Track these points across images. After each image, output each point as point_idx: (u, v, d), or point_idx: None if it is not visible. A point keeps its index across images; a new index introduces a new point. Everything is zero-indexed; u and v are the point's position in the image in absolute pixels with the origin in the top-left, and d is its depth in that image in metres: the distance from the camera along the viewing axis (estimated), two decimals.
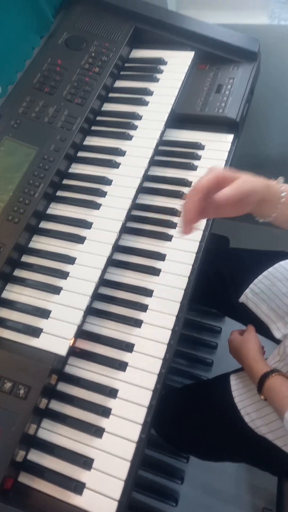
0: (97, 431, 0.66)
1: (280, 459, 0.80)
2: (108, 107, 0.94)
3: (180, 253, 0.81)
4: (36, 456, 0.65)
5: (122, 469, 0.63)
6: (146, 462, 1.33)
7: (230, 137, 0.92)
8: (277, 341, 0.88)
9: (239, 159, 1.40)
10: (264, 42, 0.99)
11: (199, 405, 0.93)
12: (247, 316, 0.92)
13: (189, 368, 1.48)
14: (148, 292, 0.77)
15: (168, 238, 0.82)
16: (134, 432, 0.65)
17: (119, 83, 0.97)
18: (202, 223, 0.83)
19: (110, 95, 0.96)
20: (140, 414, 0.67)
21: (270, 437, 0.79)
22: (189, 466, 1.34)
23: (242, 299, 0.92)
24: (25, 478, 0.64)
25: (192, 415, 0.93)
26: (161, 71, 0.97)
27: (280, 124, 1.31)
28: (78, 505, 0.61)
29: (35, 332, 0.69)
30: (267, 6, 1.01)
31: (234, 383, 0.87)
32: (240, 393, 0.85)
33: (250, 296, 0.91)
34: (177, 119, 0.95)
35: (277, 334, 0.88)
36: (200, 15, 1.02)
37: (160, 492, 1.29)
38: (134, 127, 0.90)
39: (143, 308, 0.76)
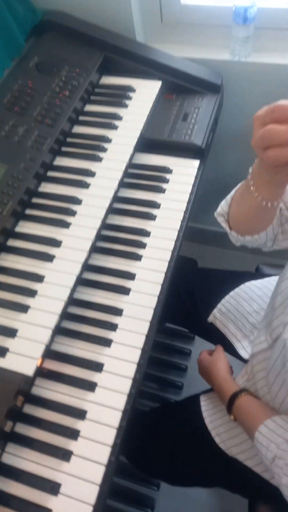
0: (65, 455, 0.64)
1: (250, 480, 0.80)
2: (78, 129, 0.96)
3: (150, 272, 0.82)
4: (0, 483, 0.62)
5: (91, 493, 0.61)
6: (115, 490, 1.28)
7: (196, 163, 0.96)
8: (245, 360, 0.89)
9: (205, 183, 1.46)
10: (226, 76, 1.06)
11: (168, 427, 0.92)
12: (216, 336, 0.94)
13: (159, 392, 1.46)
14: (118, 311, 0.77)
15: (138, 257, 0.83)
16: (103, 454, 0.64)
17: (89, 107, 1.00)
18: (171, 243, 0.85)
19: (81, 118, 0.98)
20: (109, 436, 0.65)
21: (241, 458, 0.78)
22: (159, 494, 1.31)
23: (210, 318, 0.93)
24: None
25: (161, 437, 0.92)
26: (130, 98, 1.00)
27: (239, 152, 1.37)
28: None
29: (1, 351, 0.67)
30: (229, 44, 1.08)
31: (204, 403, 0.87)
32: (210, 414, 0.85)
33: (218, 316, 0.93)
34: (146, 144, 0.98)
35: (244, 354, 0.89)
36: (166, 49, 1.07)
37: None
38: (104, 150, 0.92)
39: (113, 327, 0.76)
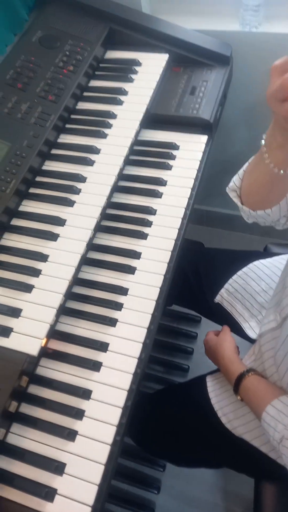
0: (70, 434, 0.63)
1: (257, 460, 0.79)
2: (82, 105, 0.93)
3: (156, 251, 0.80)
4: (5, 463, 0.62)
5: (96, 473, 0.60)
6: (121, 472, 1.29)
7: (204, 138, 0.93)
8: (252, 341, 0.88)
9: (212, 164, 1.42)
10: (235, 48, 1.01)
11: (174, 408, 0.92)
12: (223, 317, 0.92)
13: (165, 375, 1.46)
14: (123, 291, 0.75)
15: (143, 236, 0.81)
16: (109, 434, 0.63)
17: (94, 83, 0.97)
18: (177, 221, 0.82)
19: (85, 94, 0.95)
20: (114, 416, 0.64)
21: (248, 438, 0.78)
22: (165, 475, 1.32)
23: (217, 299, 0.91)
24: None
25: (167, 418, 0.91)
26: (135, 72, 0.97)
27: (248, 130, 1.33)
28: None
29: (5, 331, 0.66)
30: (239, 14, 1.03)
31: (211, 384, 0.86)
32: (217, 394, 0.84)
33: (225, 296, 0.91)
34: (152, 120, 0.95)
35: (251, 334, 0.88)
36: (173, 20, 1.03)
37: (136, 503, 1.26)
38: (109, 126, 0.89)
39: (118, 307, 0.74)
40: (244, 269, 0.91)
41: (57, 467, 0.60)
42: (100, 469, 0.60)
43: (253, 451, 0.77)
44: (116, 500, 1.25)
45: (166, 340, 1.52)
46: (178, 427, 0.89)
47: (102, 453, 0.62)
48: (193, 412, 0.87)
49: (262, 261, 0.92)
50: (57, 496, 0.59)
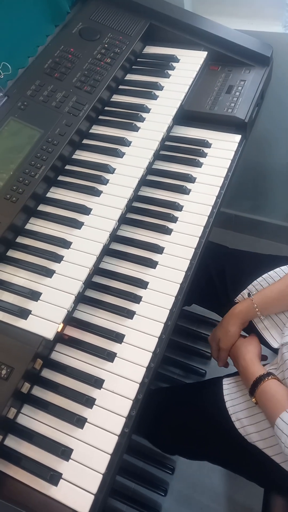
0: (79, 421, 0.63)
1: (268, 469, 0.76)
2: (117, 98, 0.94)
3: (179, 247, 0.79)
4: (14, 442, 0.62)
5: (101, 462, 0.60)
6: (130, 470, 1.29)
7: (237, 137, 0.91)
8: (274, 350, 0.85)
9: (246, 168, 1.39)
10: (277, 50, 1.00)
11: (188, 405, 0.90)
12: None
13: (181, 377, 1.44)
14: (143, 284, 0.75)
15: (167, 231, 0.81)
16: (117, 425, 0.62)
17: (130, 76, 0.97)
18: (203, 219, 0.81)
19: (120, 87, 0.96)
20: (125, 407, 0.64)
21: (261, 446, 0.75)
22: (173, 479, 1.30)
23: (238, 298, 0.89)
24: None
25: (179, 415, 0.90)
26: (173, 68, 0.97)
27: (286, 136, 1.30)
28: (52, 496, 0.58)
29: (23, 313, 0.67)
30: (282, 15, 1.02)
31: (227, 386, 0.84)
32: (232, 398, 0.82)
33: (246, 297, 0.89)
34: (185, 117, 0.95)
35: (273, 343, 0.85)
36: (215, 20, 1.02)
37: (142, 503, 1.24)
38: (142, 119, 0.89)
39: (137, 299, 0.74)
40: (270, 272, 0.89)
41: (64, 452, 0.60)
42: (106, 458, 0.60)
43: (265, 460, 0.75)
44: (122, 498, 1.24)
45: (185, 342, 1.50)
46: (190, 425, 0.88)
47: (110, 443, 0.61)
48: (206, 412, 0.86)
49: None
50: (61, 481, 0.59)
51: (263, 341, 0.87)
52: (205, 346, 1.49)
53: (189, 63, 0.97)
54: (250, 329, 0.89)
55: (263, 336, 0.86)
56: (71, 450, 0.61)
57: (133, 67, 0.99)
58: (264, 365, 0.81)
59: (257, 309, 0.84)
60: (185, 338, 1.52)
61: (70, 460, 0.60)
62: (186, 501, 1.27)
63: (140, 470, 1.30)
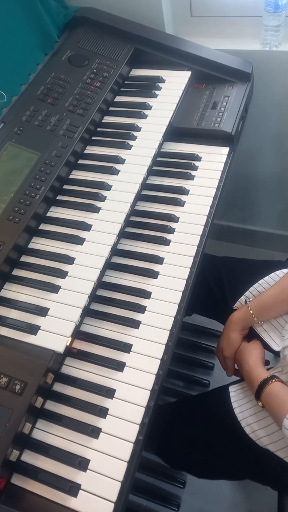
0: (94, 431, 0.64)
1: (281, 472, 0.77)
2: (108, 119, 0.98)
3: (178, 257, 0.81)
4: (30, 457, 0.63)
5: (119, 470, 0.61)
6: (141, 487, 1.28)
7: (225, 150, 0.95)
8: (275, 352, 0.87)
9: (234, 180, 1.44)
10: (256, 66, 1.05)
11: (196, 417, 0.91)
12: None
13: (185, 389, 1.45)
14: (146, 294, 0.77)
15: (166, 242, 0.83)
16: (132, 432, 0.64)
17: (119, 98, 1.02)
18: (199, 229, 0.84)
19: (111, 108, 1.00)
20: (137, 415, 0.65)
21: (272, 448, 0.76)
22: (185, 492, 1.29)
23: (236, 305, 0.92)
24: (18, 480, 0.61)
25: (189, 427, 0.91)
26: (159, 88, 1.01)
27: (271, 146, 1.36)
28: (72, 508, 0.58)
29: (33, 329, 0.68)
30: (260, 34, 1.08)
31: (234, 394, 0.86)
32: (240, 404, 0.83)
33: (244, 304, 0.91)
34: (175, 133, 0.99)
35: (274, 346, 0.87)
36: (196, 41, 1.08)
37: None
38: (134, 138, 0.93)
39: (142, 309, 0.76)
40: (266, 278, 0.92)
41: (81, 463, 0.61)
42: (123, 466, 0.61)
43: (277, 462, 0.76)
44: None
45: (187, 354, 1.51)
46: (200, 437, 0.88)
47: (125, 451, 0.62)
48: (215, 421, 0.86)
49: (284, 270, 0.92)
50: (80, 491, 0.59)
51: (265, 345, 0.89)
52: (207, 357, 1.50)
53: (174, 82, 1.02)
54: (253, 335, 0.91)
55: (263, 339, 0.88)
56: (88, 461, 0.62)
57: (122, 89, 1.03)
58: (268, 369, 0.83)
59: (253, 315, 0.86)
60: (186, 350, 1.53)
61: (87, 470, 0.61)
62: None
63: (151, 486, 1.29)
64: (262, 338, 0.88)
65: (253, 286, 0.92)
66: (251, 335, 0.91)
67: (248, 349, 0.86)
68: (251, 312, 0.86)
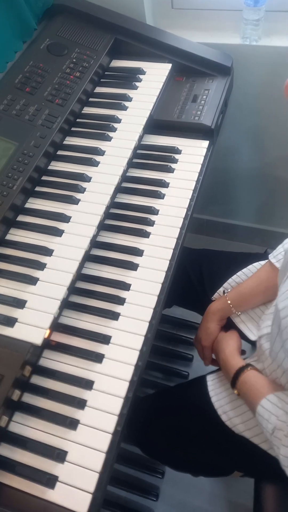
0: (72, 423, 0.64)
1: (257, 459, 0.79)
2: (88, 110, 0.97)
3: (158, 249, 0.81)
4: (7, 451, 0.62)
5: (97, 461, 0.61)
6: (120, 479, 1.28)
7: (205, 143, 0.96)
8: (251, 342, 0.89)
9: (213, 174, 1.45)
10: (237, 60, 1.06)
11: (175, 407, 0.92)
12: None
13: (165, 381, 1.46)
14: (126, 286, 0.77)
15: (146, 235, 0.83)
16: (110, 423, 0.64)
17: (99, 89, 1.01)
18: (179, 221, 0.85)
19: (90, 99, 0.99)
20: (116, 405, 0.65)
21: (248, 435, 0.78)
22: (164, 483, 1.30)
23: (214, 296, 0.93)
24: None
25: (167, 417, 0.92)
26: (140, 80, 1.01)
27: (249, 141, 1.37)
28: (51, 500, 0.58)
29: (10, 321, 0.67)
30: (240, 28, 1.08)
31: (211, 383, 0.87)
32: (217, 393, 0.84)
33: (222, 295, 0.92)
34: (155, 126, 0.99)
35: (251, 336, 0.89)
36: (177, 34, 1.07)
37: (135, 510, 1.24)
38: (114, 129, 0.92)
39: (121, 301, 0.76)
40: (244, 269, 0.93)
41: (59, 455, 0.61)
42: (101, 457, 0.61)
43: (253, 449, 0.78)
44: (114, 508, 1.23)
45: (166, 346, 1.52)
46: (178, 426, 0.89)
47: (104, 442, 0.62)
48: (193, 411, 0.88)
49: (262, 262, 0.93)
50: (58, 483, 0.59)
51: (242, 336, 0.90)
52: (186, 349, 1.52)
53: (155, 74, 1.02)
54: (230, 325, 0.92)
55: (240, 329, 0.90)
56: (65, 453, 0.62)
57: (102, 80, 1.02)
58: (244, 359, 0.84)
59: (231, 306, 0.87)
60: (165, 342, 1.54)
61: (65, 462, 0.61)
62: (179, 504, 1.28)
63: (130, 477, 1.30)
64: (239, 328, 0.90)
65: (231, 277, 0.93)
66: (228, 325, 0.92)
67: (226, 339, 0.87)
68: (229, 302, 0.87)
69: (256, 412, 0.69)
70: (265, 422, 0.67)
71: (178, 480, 1.30)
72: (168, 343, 1.54)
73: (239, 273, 0.92)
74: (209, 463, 0.92)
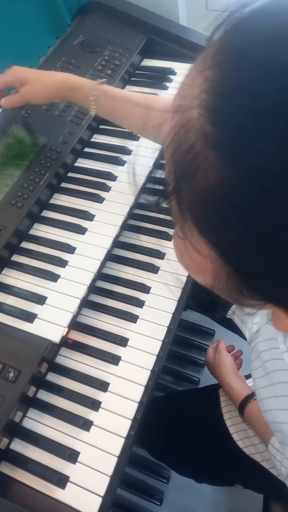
0: (85, 424, 0.63)
1: (266, 478, 0.77)
2: None
3: None
4: (20, 446, 0.62)
5: (109, 464, 0.60)
6: (125, 480, 1.28)
7: None
8: None
9: None
10: None
11: (184, 411, 0.91)
12: (236, 325, 0.91)
13: (175, 385, 1.44)
14: (146, 289, 0.76)
15: (169, 238, 0.82)
16: (124, 427, 0.63)
17: (129, 88, 1.00)
18: None
19: None
20: (130, 409, 0.64)
21: (258, 459, 0.76)
22: (169, 488, 1.29)
23: (229, 314, 0.91)
24: (6, 468, 0.60)
25: (176, 421, 0.91)
26: (170, 80, 1.00)
27: None
28: (60, 499, 0.58)
29: (30, 317, 0.67)
30: None
31: (224, 398, 0.85)
32: (229, 410, 0.83)
33: (237, 312, 0.90)
34: None
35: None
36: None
37: None
38: None
39: (140, 304, 0.75)
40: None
41: (71, 455, 0.61)
42: (113, 461, 0.60)
43: (263, 471, 0.76)
44: (118, 509, 1.23)
45: (178, 350, 1.51)
46: (186, 431, 0.88)
47: (116, 445, 0.61)
48: (203, 420, 0.86)
49: None
50: (69, 484, 0.59)
51: (242, 336, 0.88)
52: (198, 354, 1.50)
53: None
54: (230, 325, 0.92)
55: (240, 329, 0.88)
56: (78, 453, 0.61)
57: (132, 79, 1.02)
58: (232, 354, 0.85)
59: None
60: (178, 346, 1.52)
61: (77, 463, 0.60)
62: (182, 510, 1.27)
63: (135, 480, 1.29)
64: (239, 328, 0.88)
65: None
66: (228, 325, 0.90)
67: (216, 365, 0.89)
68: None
69: (268, 449, 0.67)
70: (278, 464, 0.64)
71: (183, 485, 1.29)
72: (180, 347, 1.52)
73: None
74: (213, 473, 0.91)
